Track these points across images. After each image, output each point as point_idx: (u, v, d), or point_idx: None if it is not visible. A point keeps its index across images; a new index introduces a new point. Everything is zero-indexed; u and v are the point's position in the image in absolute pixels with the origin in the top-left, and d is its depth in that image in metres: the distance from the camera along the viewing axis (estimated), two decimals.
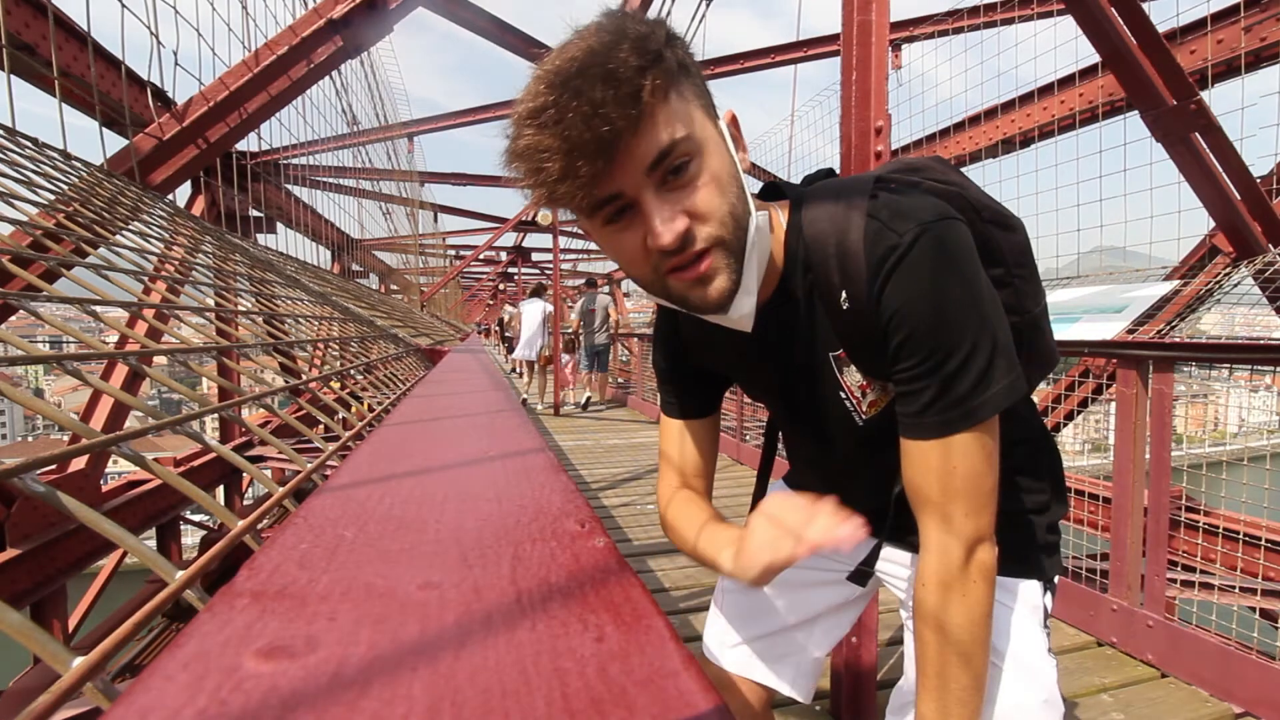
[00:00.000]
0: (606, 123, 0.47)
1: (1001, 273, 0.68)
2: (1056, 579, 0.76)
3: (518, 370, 9.43)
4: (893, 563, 0.82)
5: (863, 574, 0.80)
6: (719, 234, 0.53)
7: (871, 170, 0.71)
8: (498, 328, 10.44)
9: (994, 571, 0.60)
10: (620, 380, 9.39)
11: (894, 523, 0.74)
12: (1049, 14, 3.43)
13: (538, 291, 7.72)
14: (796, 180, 0.73)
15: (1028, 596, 0.71)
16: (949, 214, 0.57)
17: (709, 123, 0.55)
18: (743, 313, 0.58)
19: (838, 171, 0.80)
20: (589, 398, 7.82)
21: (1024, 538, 0.72)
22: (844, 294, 0.59)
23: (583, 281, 8.93)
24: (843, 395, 0.66)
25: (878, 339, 0.59)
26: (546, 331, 7.35)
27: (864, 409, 0.66)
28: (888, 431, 0.66)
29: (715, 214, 0.53)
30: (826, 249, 0.60)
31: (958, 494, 0.57)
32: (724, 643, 0.90)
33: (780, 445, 0.91)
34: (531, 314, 7.42)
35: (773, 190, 0.68)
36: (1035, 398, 0.84)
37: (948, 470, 0.57)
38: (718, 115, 0.58)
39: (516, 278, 15.60)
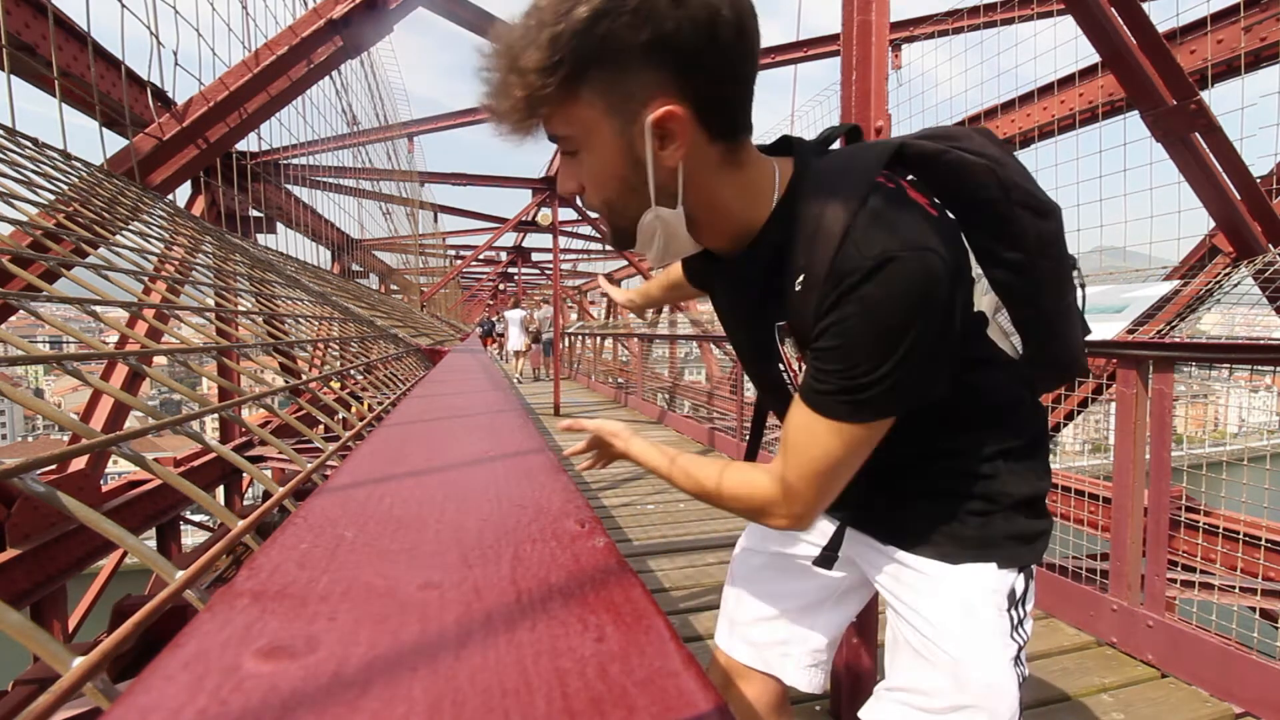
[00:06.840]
0: (514, 109, 0.55)
1: (1019, 258, 0.65)
2: (1034, 568, 0.73)
3: (503, 358, 12.77)
4: (858, 544, 0.82)
5: (828, 558, 0.82)
6: (601, 211, 0.63)
7: (900, 137, 0.67)
8: (485, 333, 12.84)
9: (769, 524, 0.66)
10: (620, 380, 9.77)
11: (858, 507, 0.78)
12: (1049, 14, 3.43)
13: (516, 303, 11.51)
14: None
15: (982, 580, 0.69)
16: (920, 245, 0.54)
17: (605, 122, 0.56)
18: (650, 258, 0.66)
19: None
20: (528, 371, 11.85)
21: (983, 516, 0.70)
22: (801, 277, 0.60)
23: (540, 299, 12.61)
24: (781, 368, 0.69)
25: (811, 326, 0.60)
26: (523, 331, 11.06)
27: (797, 381, 0.67)
28: None
29: (593, 199, 0.62)
30: (805, 231, 0.60)
31: (791, 448, 0.62)
32: (734, 621, 0.92)
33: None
34: (515, 319, 10.94)
35: (785, 144, 0.67)
36: None
37: (797, 428, 0.62)
38: (642, 104, 0.54)
39: (517, 278, 15.60)
